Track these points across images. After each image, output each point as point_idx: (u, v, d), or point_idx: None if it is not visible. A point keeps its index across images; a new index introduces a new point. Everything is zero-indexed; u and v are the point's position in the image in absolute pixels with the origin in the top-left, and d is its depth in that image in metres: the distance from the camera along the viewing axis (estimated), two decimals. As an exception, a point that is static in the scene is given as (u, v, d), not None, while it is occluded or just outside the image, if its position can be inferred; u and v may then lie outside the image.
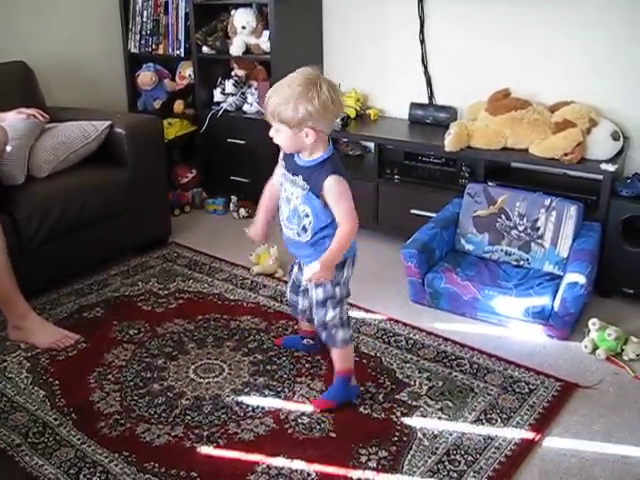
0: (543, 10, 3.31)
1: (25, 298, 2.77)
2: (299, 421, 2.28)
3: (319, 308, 2.31)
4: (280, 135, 2.13)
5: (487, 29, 3.51)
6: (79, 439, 2.21)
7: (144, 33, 4.38)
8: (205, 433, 2.23)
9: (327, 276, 2.19)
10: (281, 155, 2.29)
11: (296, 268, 2.48)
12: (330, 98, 2.06)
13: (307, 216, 2.19)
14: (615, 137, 3.07)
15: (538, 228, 2.97)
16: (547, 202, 2.97)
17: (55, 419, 2.30)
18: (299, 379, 2.51)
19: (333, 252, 2.16)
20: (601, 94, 3.23)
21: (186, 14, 4.16)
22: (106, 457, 2.13)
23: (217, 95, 4.17)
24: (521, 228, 3.01)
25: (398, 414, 2.30)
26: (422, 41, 3.73)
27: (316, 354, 2.65)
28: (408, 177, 3.54)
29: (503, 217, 3.05)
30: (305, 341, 2.66)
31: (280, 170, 2.28)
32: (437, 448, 2.15)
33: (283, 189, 2.26)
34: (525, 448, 2.14)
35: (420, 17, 3.68)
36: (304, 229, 2.21)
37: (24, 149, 3.10)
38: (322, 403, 2.36)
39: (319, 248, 2.21)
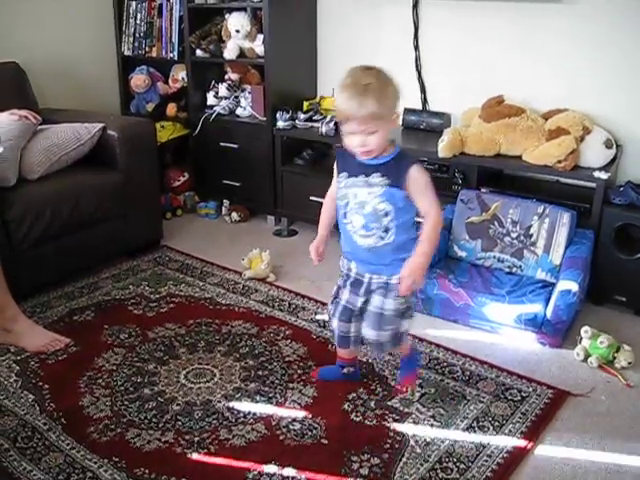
0: (537, 17, 3.32)
1: (15, 300, 2.75)
2: (290, 427, 2.27)
3: (395, 319, 2.24)
4: (375, 136, 2.05)
5: (481, 36, 3.51)
6: (68, 444, 2.19)
7: (138, 35, 4.38)
8: (196, 439, 2.21)
9: (421, 280, 2.13)
10: (338, 165, 2.23)
11: (346, 292, 2.31)
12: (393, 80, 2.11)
13: (386, 215, 2.13)
14: (608, 145, 3.07)
15: (531, 235, 2.97)
16: (540, 209, 2.97)
17: (44, 424, 2.28)
18: (291, 385, 2.50)
19: (426, 249, 2.12)
20: (594, 102, 3.24)
21: (180, 17, 4.15)
22: (95, 463, 2.11)
23: (210, 98, 4.16)
24: (514, 235, 3.01)
25: (390, 421, 2.29)
26: (416, 47, 3.73)
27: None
28: (401, 183, 3.53)
29: (496, 224, 3.05)
30: (346, 370, 2.51)
31: (343, 180, 2.19)
32: (429, 456, 2.14)
33: (352, 197, 2.16)
34: (517, 456, 2.14)
35: (414, 23, 3.69)
36: (386, 230, 2.14)
37: (16, 151, 3.09)
38: (408, 380, 2.45)
39: (401, 254, 2.15)
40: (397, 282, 2.17)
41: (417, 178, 2.10)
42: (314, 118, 3.81)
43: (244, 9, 3.94)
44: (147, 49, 4.36)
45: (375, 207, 2.13)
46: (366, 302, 2.28)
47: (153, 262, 3.54)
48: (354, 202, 2.16)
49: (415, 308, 2.36)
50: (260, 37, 3.87)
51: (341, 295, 2.33)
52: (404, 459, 2.12)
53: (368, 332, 2.28)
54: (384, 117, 2.04)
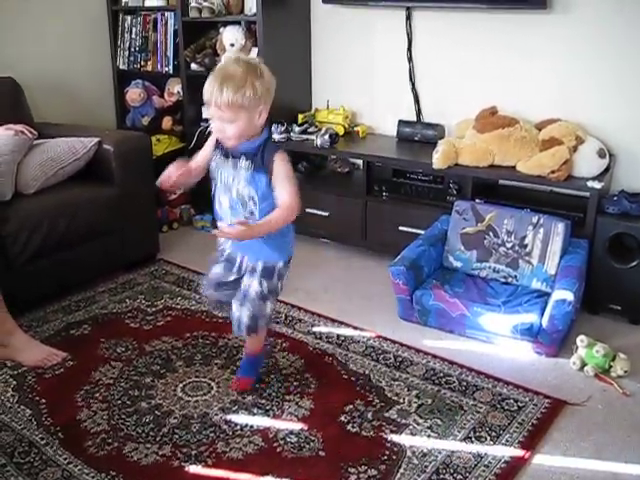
0: (530, 28, 3.34)
1: (12, 315, 2.75)
2: (288, 440, 2.27)
3: (257, 301, 2.32)
4: (236, 125, 2.10)
5: (475, 47, 3.54)
6: (66, 459, 2.18)
7: (133, 50, 4.40)
8: (193, 452, 2.21)
9: (244, 237, 2.14)
10: (212, 143, 2.28)
11: (219, 268, 2.42)
12: (271, 75, 2.16)
13: (252, 199, 2.19)
14: (601, 155, 3.09)
15: (526, 245, 2.99)
16: (535, 219, 2.99)
17: (41, 438, 2.28)
18: (288, 397, 2.50)
19: (262, 225, 2.15)
20: (587, 112, 3.26)
21: (175, 31, 4.18)
22: (93, 477, 2.10)
23: (205, 112, 4.17)
24: (509, 245, 3.02)
25: (387, 432, 2.29)
26: (410, 59, 3.75)
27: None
28: (396, 194, 3.55)
29: (491, 234, 3.06)
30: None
31: (215, 157, 2.25)
32: (426, 466, 2.14)
33: (218, 179, 2.24)
34: (515, 466, 2.14)
35: (408, 35, 3.71)
36: (251, 214, 2.21)
37: (12, 165, 3.10)
38: (243, 383, 2.51)
39: (270, 242, 2.23)
40: (262, 266, 2.29)
41: (282, 163, 2.15)
42: (309, 130, 3.83)
43: (238, 23, 3.96)
44: (142, 63, 4.39)
45: (240, 191, 2.20)
46: (238, 279, 2.36)
47: (149, 275, 3.54)
48: (221, 183, 2.24)
49: (279, 293, 2.40)
50: (254, 50, 3.90)
51: (214, 268, 2.43)
52: (401, 470, 2.12)
53: (233, 306, 2.36)
54: (244, 108, 2.08)
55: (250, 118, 2.11)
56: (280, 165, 2.15)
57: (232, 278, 2.39)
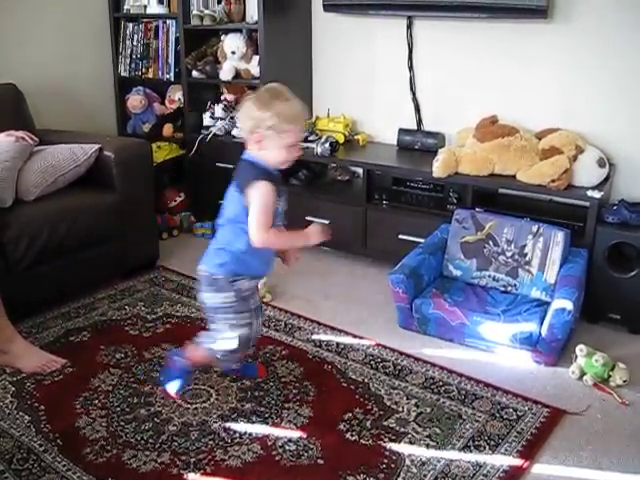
0: (531, 38, 3.36)
1: (11, 321, 2.75)
2: (287, 448, 2.26)
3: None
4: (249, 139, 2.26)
5: (475, 56, 3.55)
6: (64, 465, 2.18)
7: (134, 57, 4.41)
8: (192, 460, 2.21)
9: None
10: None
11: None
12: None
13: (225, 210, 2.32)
14: (601, 164, 3.10)
15: (526, 254, 2.99)
16: (534, 228, 2.99)
17: (40, 445, 2.27)
18: (287, 405, 2.50)
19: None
20: (587, 121, 3.27)
21: (176, 38, 4.19)
22: (91, 484, 2.10)
23: (206, 119, 4.19)
24: (509, 254, 3.03)
25: (386, 441, 2.29)
26: (410, 67, 3.76)
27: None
28: (396, 202, 3.55)
29: (491, 243, 3.06)
30: (235, 365, 2.64)
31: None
32: (425, 475, 2.13)
33: (278, 205, 2.26)
34: (514, 475, 2.13)
35: (408, 44, 3.73)
36: (221, 225, 2.36)
37: (13, 172, 3.10)
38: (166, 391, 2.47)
39: (218, 254, 2.35)
40: (206, 275, 2.34)
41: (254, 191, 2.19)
42: (309, 139, 3.83)
43: (240, 31, 3.98)
44: (143, 70, 4.40)
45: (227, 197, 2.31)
46: None
47: (149, 282, 3.54)
48: (280, 209, 2.32)
49: (237, 309, 2.34)
50: (256, 58, 3.91)
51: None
52: (400, 479, 2.12)
53: None
54: (247, 130, 2.22)
55: (255, 141, 2.26)
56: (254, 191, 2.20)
57: None
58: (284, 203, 2.29)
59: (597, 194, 2.99)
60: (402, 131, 3.80)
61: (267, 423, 2.40)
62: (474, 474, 2.14)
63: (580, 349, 2.67)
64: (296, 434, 2.34)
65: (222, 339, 2.34)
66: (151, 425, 2.38)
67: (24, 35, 3.92)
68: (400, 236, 3.46)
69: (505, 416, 2.42)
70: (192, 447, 2.27)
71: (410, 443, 2.28)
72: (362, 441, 2.29)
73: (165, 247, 3.92)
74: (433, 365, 2.75)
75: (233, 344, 2.33)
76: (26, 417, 2.42)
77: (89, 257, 3.27)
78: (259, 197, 2.17)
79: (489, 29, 3.46)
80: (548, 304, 2.83)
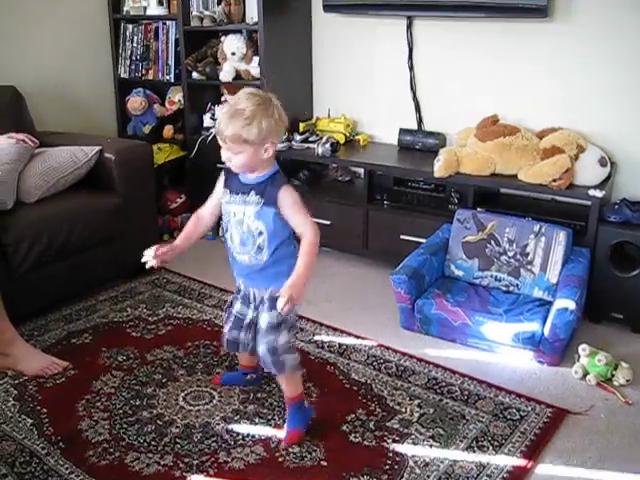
0: (532, 37, 3.36)
1: (13, 324, 2.74)
2: (290, 449, 2.26)
3: (270, 333, 2.24)
4: (240, 156, 2.11)
5: (476, 56, 3.55)
6: (67, 468, 2.18)
7: (134, 58, 4.41)
8: (195, 462, 2.20)
9: (300, 296, 2.10)
10: (222, 182, 2.28)
11: (238, 304, 2.37)
12: (282, 113, 2.15)
13: (261, 234, 2.17)
14: (603, 163, 3.10)
15: (527, 254, 2.99)
16: (536, 228, 2.99)
17: (43, 448, 2.27)
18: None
19: (302, 268, 2.12)
20: (588, 120, 3.27)
21: (176, 40, 4.19)
22: (94, 487, 2.10)
23: (207, 120, 4.19)
24: (510, 254, 3.02)
25: (389, 442, 2.29)
26: (411, 67, 3.76)
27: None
28: (398, 203, 3.55)
29: (492, 243, 3.06)
30: (249, 377, 2.60)
31: (224, 197, 2.25)
32: (429, 476, 2.13)
33: (231, 214, 2.22)
34: (517, 476, 2.13)
35: (409, 43, 3.72)
36: (259, 249, 2.19)
37: (13, 174, 3.10)
38: (293, 436, 2.30)
39: (280, 270, 2.19)
40: (269, 297, 2.24)
41: (286, 198, 2.15)
42: (310, 139, 3.83)
43: (240, 32, 3.98)
44: (144, 72, 4.39)
45: (249, 225, 2.18)
46: (257, 315, 2.32)
47: (151, 284, 3.53)
48: (233, 220, 2.22)
49: (295, 325, 2.34)
50: (256, 59, 3.91)
51: (234, 304, 2.39)
52: (404, 480, 2.12)
53: (257, 345, 2.31)
54: (249, 143, 2.08)
55: (255, 152, 2.11)
56: (286, 196, 2.14)
57: (250, 314, 2.32)
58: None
59: (599, 193, 2.98)
60: (403, 131, 3.80)
61: (270, 425, 2.39)
62: (478, 474, 2.13)
63: (583, 349, 2.67)
64: (299, 435, 2.33)
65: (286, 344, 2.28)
66: (154, 427, 2.38)
67: (24, 37, 3.91)
68: (401, 236, 3.46)
69: (508, 416, 2.42)
70: (195, 449, 2.26)
71: (413, 444, 2.28)
72: (365, 442, 2.29)
73: (166, 249, 3.90)
74: (436, 366, 2.75)
75: (293, 338, 2.32)
76: (28, 420, 2.42)
77: (90, 259, 3.27)
78: (292, 194, 2.16)
79: (489, 29, 3.46)
80: (550, 304, 2.82)
